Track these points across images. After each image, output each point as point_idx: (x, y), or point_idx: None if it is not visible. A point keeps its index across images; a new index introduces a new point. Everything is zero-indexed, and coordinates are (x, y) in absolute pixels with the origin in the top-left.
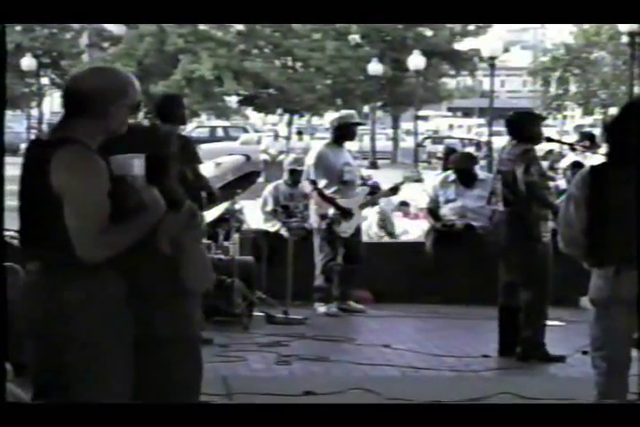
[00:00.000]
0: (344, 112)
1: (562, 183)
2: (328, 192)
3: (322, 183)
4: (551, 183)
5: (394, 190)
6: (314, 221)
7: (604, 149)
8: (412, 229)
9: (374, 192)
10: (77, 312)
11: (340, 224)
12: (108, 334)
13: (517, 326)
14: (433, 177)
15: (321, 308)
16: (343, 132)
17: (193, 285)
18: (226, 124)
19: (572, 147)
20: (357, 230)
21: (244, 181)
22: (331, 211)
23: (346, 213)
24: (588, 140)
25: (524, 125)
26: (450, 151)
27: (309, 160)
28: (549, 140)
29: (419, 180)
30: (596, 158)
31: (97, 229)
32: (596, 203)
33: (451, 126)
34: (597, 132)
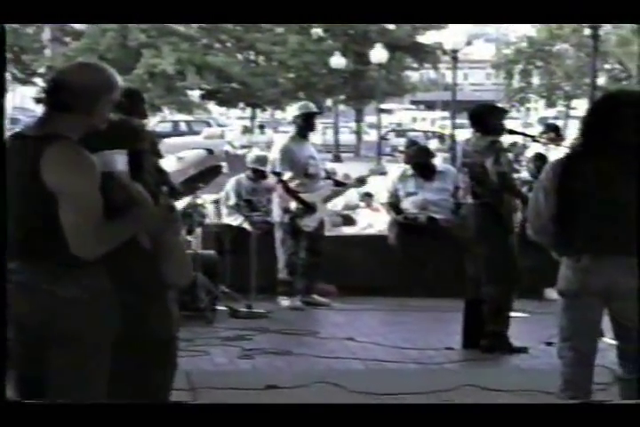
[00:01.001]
0: (300, 104)
1: (524, 175)
2: (292, 185)
3: (286, 176)
4: (515, 175)
5: (361, 182)
6: (277, 214)
7: (567, 140)
8: (376, 222)
9: (340, 184)
10: (72, 309)
11: (303, 218)
12: (101, 329)
13: (483, 318)
14: (396, 170)
15: (284, 301)
16: (303, 123)
17: (174, 279)
18: (189, 118)
19: (534, 139)
20: (321, 224)
21: (206, 175)
22: (293, 204)
23: (308, 209)
24: (552, 132)
25: (486, 118)
26: (412, 144)
27: (274, 153)
28: (511, 132)
29: (383, 173)
30: (559, 150)
31: (93, 225)
32: (565, 192)
33: (414, 119)
34: (561, 123)
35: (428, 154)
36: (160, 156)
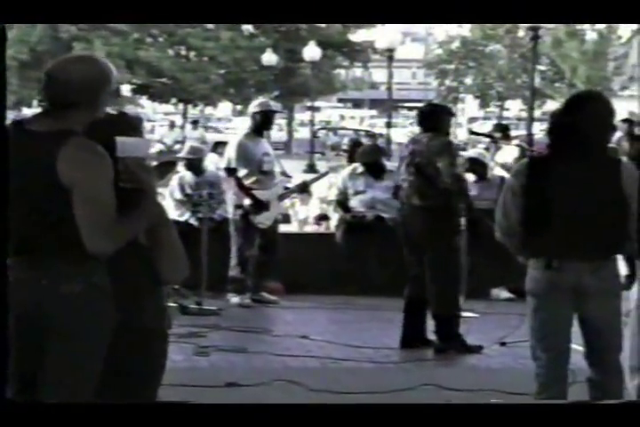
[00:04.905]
0: (260, 100)
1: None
2: (248, 182)
3: (241, 173)
4: None
5: (303, 187)
6: (230, 211)
7: (514, 141)
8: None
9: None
10: (76, 305)
11: (258, 215)
12: (101, 326)
13: (424, 317)
14: (341, 170)
15: (234, 298)
16: (260, 120)
17: (169, 276)
18: None
19: (493, 140)
20: (275, 222)
21: (161, 169)
22: (247, 201)
23: (260, 206)
24: (500, 133)
25: (438, 117)
26: (355, 144)
27: (230, 150)
28: (472, 133)
29: (325, 174)
30: (507, 150)
31: (108, 222)
32: (533, 194)
33: (342, 117)
34: (491, 124)
35: (380, 152)
36: None
